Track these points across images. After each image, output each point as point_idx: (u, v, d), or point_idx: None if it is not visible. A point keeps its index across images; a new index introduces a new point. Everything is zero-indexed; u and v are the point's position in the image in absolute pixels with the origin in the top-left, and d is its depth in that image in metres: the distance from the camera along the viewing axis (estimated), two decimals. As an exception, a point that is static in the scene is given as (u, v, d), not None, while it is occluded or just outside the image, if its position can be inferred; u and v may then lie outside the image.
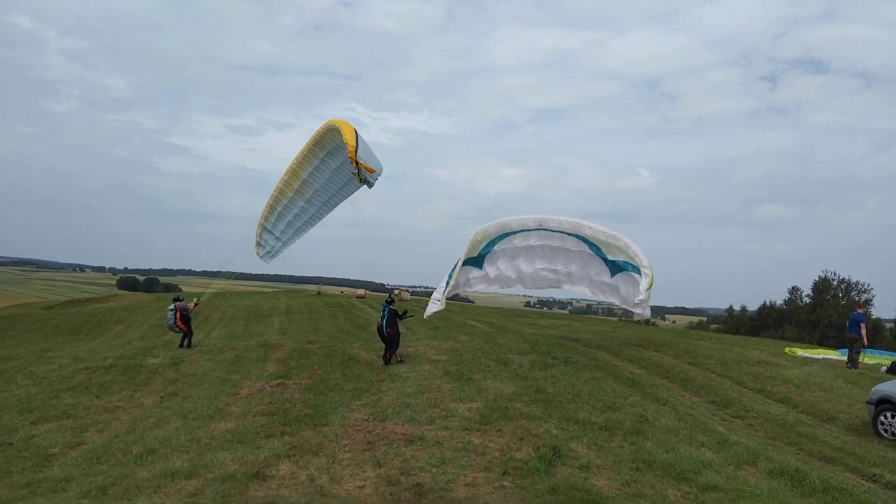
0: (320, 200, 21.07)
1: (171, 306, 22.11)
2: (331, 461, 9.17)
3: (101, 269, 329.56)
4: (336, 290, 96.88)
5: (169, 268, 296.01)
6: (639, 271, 18.40)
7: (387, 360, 16.78)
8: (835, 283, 66.15)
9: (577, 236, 19.72)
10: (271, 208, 20.80)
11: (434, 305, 20.88)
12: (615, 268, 19.58)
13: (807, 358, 22.83)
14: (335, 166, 20.04)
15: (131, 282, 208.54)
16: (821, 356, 23.75)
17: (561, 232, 19.86)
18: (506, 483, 8.32)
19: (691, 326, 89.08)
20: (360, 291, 78.53)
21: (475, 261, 21.38)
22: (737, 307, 79.19)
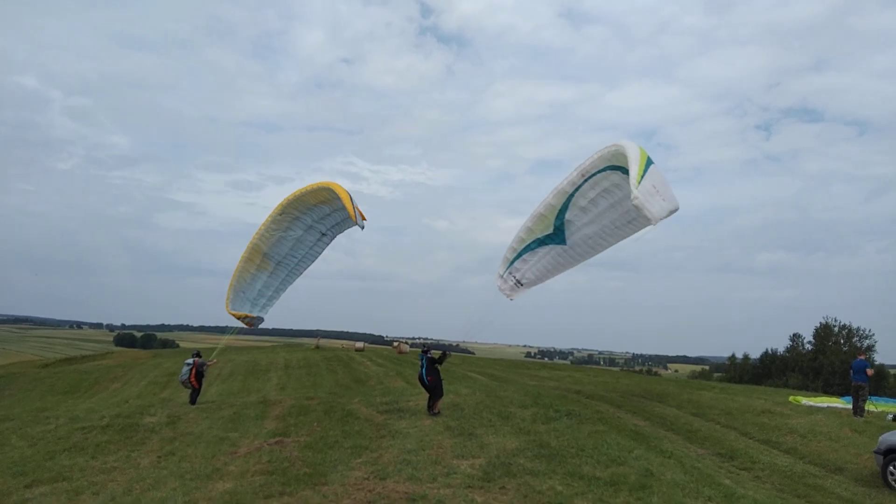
0: (285, 270, 21.19)
1: (189, 360, 21.94)
2: (331, 522, 8.98)
3: (98, 326, 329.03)
4: (335, 342, 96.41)
5: (167, 323, 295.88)
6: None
7: (430, 408, 17.03)
8: (836, 329, 65.93)
9: (611, 167, 17.62)
10: (234, 290, 20.52)
11: (515, 289, 20.05)
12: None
13: (811, 406, 22.58)
14: (301, 231, 20.45)
15: (128, 338, 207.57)
16: (825, 404, 23.49)
17: (601, 171, 17.92)
18: (510, 543, 8.14)
19: (693, 375, 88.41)
20: (360, 344, 77.99)
21: (554, 237, 19.64)
22: (739, 355, 78.78)
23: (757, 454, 15.19)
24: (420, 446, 13.35)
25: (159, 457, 14.25)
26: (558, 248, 19.81)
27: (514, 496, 10.04)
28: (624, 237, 19.22)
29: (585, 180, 18.22)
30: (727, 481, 11.80)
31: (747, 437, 17.30)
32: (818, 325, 66.94)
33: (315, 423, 16.38)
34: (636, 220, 18.25)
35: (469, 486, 10.55)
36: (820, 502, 11.68)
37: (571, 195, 18.66)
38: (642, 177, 15.10)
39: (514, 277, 20.28)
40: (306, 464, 12.38)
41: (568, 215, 19.12)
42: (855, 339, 63.63)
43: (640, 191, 14.92)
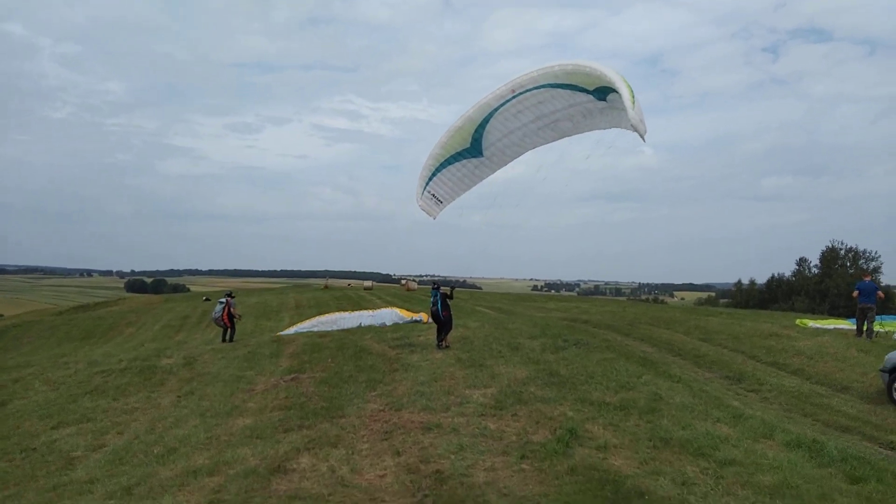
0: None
1: (223, 300, 23.30)
2: (350, 452, 9.25)
3: (108, 273, 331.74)
4: (343, 282, 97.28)
5: (175, 268, 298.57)
6: (611, 90, 15.98)
7: (440, 342, 17.29)
8: (842, 252, 65.96)
9: (552, 85, 17.45)
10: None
11: (434, 207, 20.18)
12: (600, 93, 16.96)
13: (818, 329, 22.79)
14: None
15: (139, 284, 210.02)
16: (832, 326, 23.69)
17: (537, 88, 17.67)
18: (524, 466, 8.38)
19: (700, 302, 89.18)
20: (368, 283, 78.96)
21: (470, 150, 19.41)
22: (745, 281, 79.03)
23: (764, 376, 15.44)
24: (433, 378, 13.61)
25: (179, 396, 14.60)
26: (474, 160, 19.60)
27: (526, 423, 10.29)
28: (540, 145, 19.27)
29: (516, 95, 17.86)
30: (735, 403, 12.04)
31: (755, 360, 17.55)
32: (824, 248, 67.00)
33: (329, 360, 16.67)
34: (561, 131, 18.64)
35: (482, 415, 10.81)
36: (826, 420, 11.93)
37: (496, 109, 18.24)
38: (634, 97, 15.01)
39: (432, 195, 20.12)
40: (323, 398, 12.67)
41: (488, 127, 18.69)
42: (861, 261, 63.71)
43: (637, 111, 14.99)
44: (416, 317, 26.49)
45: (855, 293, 20.81)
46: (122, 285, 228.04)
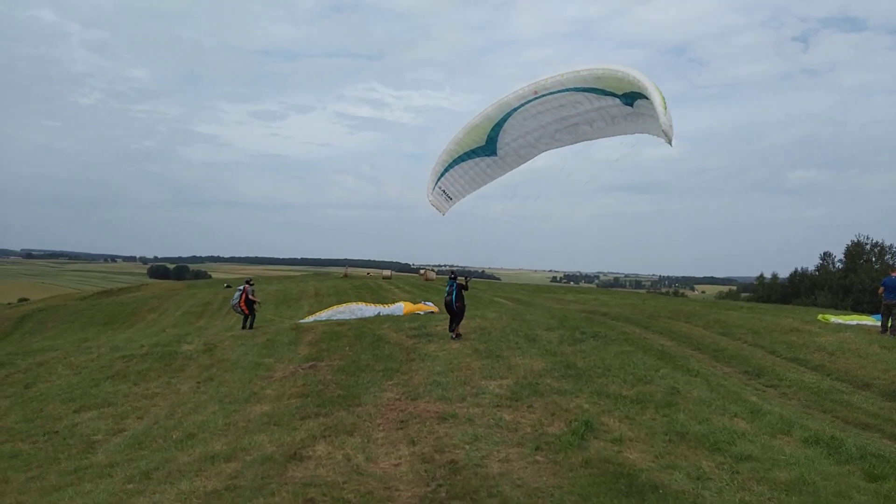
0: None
1: (241, 287, 23.83)
2: (365, 440, 9.31)
3: (131, 259, 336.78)
4: (362, 271, 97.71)
5: (198, 255, 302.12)
6: (640, 96, 15.89)
7: (452, 331, 17.36)
8: (868, 246, 64.90)
9: (578, 89, 17.26)
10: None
11: (444, 202, 20.14)
12: (628, 98, 16.83)
13: (840, 324, 22.46)
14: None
15: (162, 270, 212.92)
16: (855, 322, 23.31)
17: (561, 91, 17.46)
18: (539, 458, 8.39)
19: (721, 296, 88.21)
20: (387, 272, 79.27)
21: (485, 148, 19.23)
22: (767, 275, 78.04)
23: (784, 371, 15.27)
24: (449, 368, 13.64)
25: (198, 382, 14.79)
26: (488, 159, 19.46)
27: (541, 414, 10.29)
28: (556, 147, 19.13)
29: (538, 97, 17.65)
30: (753, 398, 11.92)
31: (774, 356, 17.36)
32: (850, 242, 65.96)
33: (347, 348, 16.77)
34: (579, 135, 18.47)
35: (498, 406, 10.82)
36: (845, 417, 11.78)
37: (516, 109, 18.04)
38: (665, 104, 15.05)
39: (443, 190, 20.04)
40: (340, 386, 12.76)
41: (505, 126, 18.56)
42: (888, 256, 62.67)
43: (668, 117, 14.94)
44: (426, 310, 26.56)
45: (880, 289, 20.46)
46: (145, 271, 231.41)
